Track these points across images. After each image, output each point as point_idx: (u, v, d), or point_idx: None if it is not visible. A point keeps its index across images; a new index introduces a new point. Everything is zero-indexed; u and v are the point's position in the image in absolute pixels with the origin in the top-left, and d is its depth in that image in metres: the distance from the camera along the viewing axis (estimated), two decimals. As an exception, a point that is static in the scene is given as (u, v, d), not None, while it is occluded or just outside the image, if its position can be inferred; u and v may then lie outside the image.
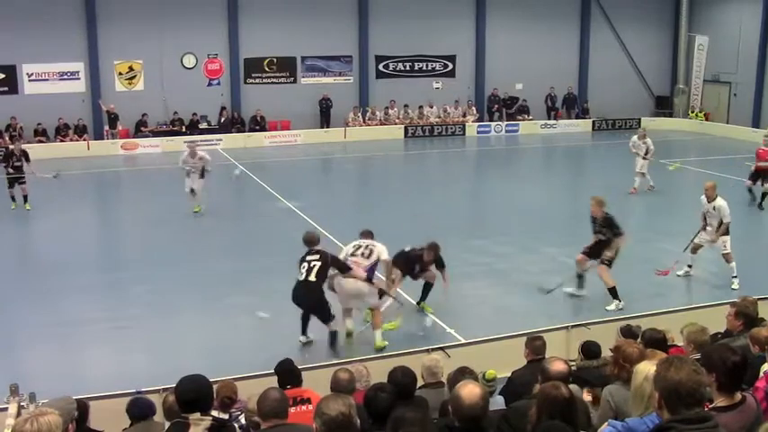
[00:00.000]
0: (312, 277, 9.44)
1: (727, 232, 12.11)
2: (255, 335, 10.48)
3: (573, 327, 8.84)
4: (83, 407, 5.64)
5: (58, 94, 26.49)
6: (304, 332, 9.86)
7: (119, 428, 5.91)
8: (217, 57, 28.90)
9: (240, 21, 28.69)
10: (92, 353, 10.29)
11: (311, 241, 9.83)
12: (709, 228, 12.28)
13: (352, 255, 9.99)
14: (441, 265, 10.97)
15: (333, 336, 9.73)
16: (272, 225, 16.14)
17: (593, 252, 11.36)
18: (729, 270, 12.07)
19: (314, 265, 9.44)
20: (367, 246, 10.10)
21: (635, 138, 19.80)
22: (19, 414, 5.06)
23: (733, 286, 11.78)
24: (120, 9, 26.71)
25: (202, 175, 16.98)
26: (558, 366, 5.22)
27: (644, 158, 19.11)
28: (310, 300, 9.55)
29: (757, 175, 17.78)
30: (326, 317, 9.65)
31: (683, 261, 12.52)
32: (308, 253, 9.67)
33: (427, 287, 11.18)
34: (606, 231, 11.15)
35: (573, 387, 4.81)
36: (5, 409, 5.49)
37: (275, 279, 12.56)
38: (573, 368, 5.77)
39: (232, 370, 7.38)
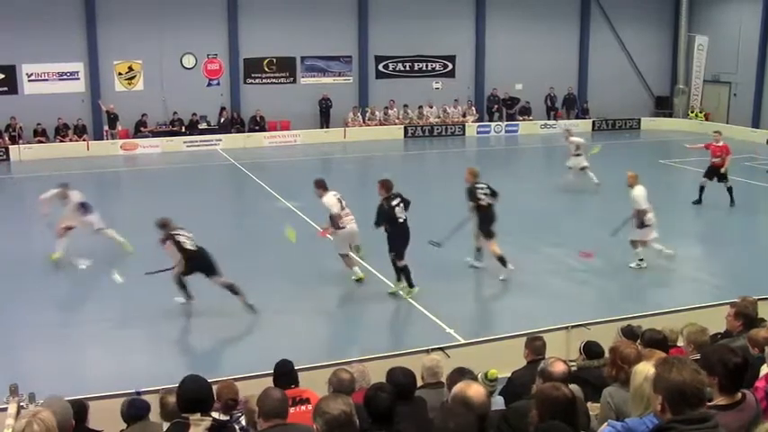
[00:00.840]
0: (198, 244, 10.90)
1: (642, 225, 12.59)
2: (255, 335, 10.48)
3: (573, 327, 8.83)
4: (82, 407, 5.64)
5: (57, 94, 26.44)
6: (190, 296, 11.10)
7: (118, 428, 5.91)
8: (216, 57, 28.88)
9: (240, 21, 28.67)
10: (92, 353, 10.29)
11: (168, 224, 11.10)
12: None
13: (344, 208, 11.99)
14: (389, 212, 11.39)
15: (247, 304, 10.86)
16: (272, 225, 16.10)
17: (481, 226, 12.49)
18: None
19: (191, 235, 10.99)
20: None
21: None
22: (19, 414, 5.06)
23: (630, 264, 12.65)
24: (120, 9, 26.68)
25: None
26: (558, 367, 5.21)
27: (576, 155, 19.59)
28: (211, 258, 10.90)
29: (711, 171, 17.72)
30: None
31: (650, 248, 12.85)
32: (176, 231, 10.96)
33: (404, 272, 11.48)
34: (468, 198, 12.60)
35: (573, 387, 4.80)
36: (5, 409, 5.48)
37: (275, 279, 12.60)
38: (573, 368, 5.77)
39: (232, 370, 7.38)
